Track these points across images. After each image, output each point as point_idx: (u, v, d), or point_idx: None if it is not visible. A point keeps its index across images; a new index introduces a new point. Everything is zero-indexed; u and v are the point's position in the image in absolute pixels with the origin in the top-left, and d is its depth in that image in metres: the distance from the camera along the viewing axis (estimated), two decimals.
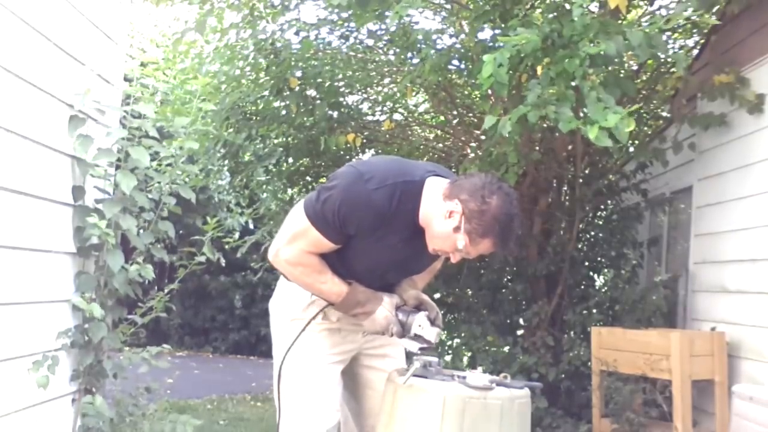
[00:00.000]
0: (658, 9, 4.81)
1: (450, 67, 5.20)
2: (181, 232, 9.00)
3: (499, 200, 2.07)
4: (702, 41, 5.27)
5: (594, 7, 4.14)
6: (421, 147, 6.72)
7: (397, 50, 5.58)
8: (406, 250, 2.18)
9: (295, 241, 2.15)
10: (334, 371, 2.29)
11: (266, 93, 5.85)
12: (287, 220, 2.21)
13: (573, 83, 3.81)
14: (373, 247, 2.13)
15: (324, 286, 2.17)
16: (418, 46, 5.11)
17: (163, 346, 3.85)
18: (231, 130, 6.15)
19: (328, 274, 2.16)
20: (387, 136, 6.36)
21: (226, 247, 6.93)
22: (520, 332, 5.91)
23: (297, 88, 5.56)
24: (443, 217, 2.07)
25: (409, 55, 5.36)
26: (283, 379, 2.28)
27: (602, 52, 3.54)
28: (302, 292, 2.26)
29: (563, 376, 5.25)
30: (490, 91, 4.54)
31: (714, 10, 4.58)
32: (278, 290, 2.38)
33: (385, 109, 6.79)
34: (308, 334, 2.26)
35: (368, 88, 6.63)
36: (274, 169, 6.46)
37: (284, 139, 6.39)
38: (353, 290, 2.17)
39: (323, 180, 6.83)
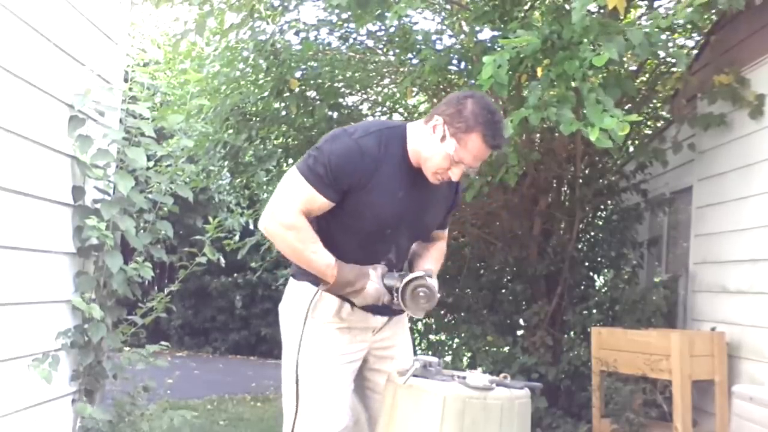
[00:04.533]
0: (659, 7, 4.80)
1: (450, 67, 5.20)
2: (181, 232, 9.00)
3: (474, 99, 2.14)
4: (702, 41, 5.27)
5: (593, 7, 4.13)
6: None
7: (397, 51, 5.58)
8: (408, 200, 2.20)
9: (289, 200, 2.13)
10: (346, 371, 2.26)
11: (266, 94, 5.85)
12: (280, 184, 2.20)
13: (573, 84, 3.81)
14: (374, 201, 2.14)
15: (314, 256, 2.14)
16: (418, 46, 5.12)
17: (161, 344, 3.84)
18: (231, 131, 6.16)
19: (318, 243, 2.14)
20: None
21: (227, 248, 6.94)
22: (520, 332, 5.91)
23: (297, 90, 5.56)
24: (429, 136, 2.14)
25: (409, 55, 5.36)
26: (294, 379, 2.24)
27: (607, 59, 3.54)
28: (312, 295, 2.22)
29: (563, 376, 5.25)
30: (489, 92, 4.54)
31: (714, 10, 4.58)
32: (287, 293, 2.34)
33: (384, 109, 6.80)
34: (320, 335, 2.23)
35: (368, 89, 6.63)
36: (274, 170, 6.46)
37: (284, 140, 6.39)
38: (341, 267, 2.14)
39: None
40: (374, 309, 2.28)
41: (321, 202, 2.13)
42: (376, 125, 2.23)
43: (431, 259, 2.39)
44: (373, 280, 2.16)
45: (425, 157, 2.16)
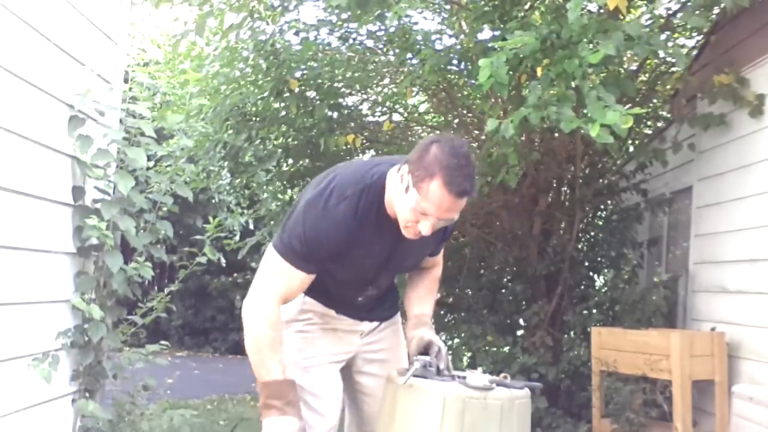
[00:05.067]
0: (657, 7, 4.80)
1: (450, 67, 5.20)
2: (181, 232, 9.00)
3: (440, 143, 1.93)
4: (702, 41, 5.27)
5: (593, 7, 4.14)
6: None
7: (397, 51, 5.58)
8: (388, 251, 2.12)
9: (269, 282, 2.04)
10: (331, 370, 2.26)
11: (266, 94, 5.85)
12: (261, 264, 2.09)
13: (573, 83, 3.82)
14: (352, 261, 2.07)
15: (271, 356, 2.01)
16: (418, 46, 5.12)
17: (161, 343, 3.84)
18: (231, 131, 6.16)
19: (277, 356, 2.01)
20: (387, 136, 6.36)
21: (227, 248, 6.94)
22: (520, 332, 5.91)
23: (297, 90, 5.56)
24: (398, 185, 1.98)
25: (409, 55, 5.36)
26: None
27: (603, 55, 3.54)
28: (299, 297, 2.21)
29: (563, 376, 5.25)
30: (489, 91, 4.54)
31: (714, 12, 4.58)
32: None
33: (384, 109, 6.80)
34: (304, 336, 2.24)
35: (368, 89, 6.63)
36: (274, 170, 6.46)
37: (284, 140, 6.39)
38: (286, 383, 2.01)
39: None
40: (361, 315, 2.28)
41: (301, 277, 2.05)
42: (353, 184, 2.03)
43: (426, 298, 2.34)
44: (275, 428, 1.99)
45: (396, 210, 2.00)
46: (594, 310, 5.70)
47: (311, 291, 2.16)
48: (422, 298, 2.35)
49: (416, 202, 1.92)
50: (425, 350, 2.15)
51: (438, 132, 6.88)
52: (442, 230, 2.15)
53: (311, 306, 2.24)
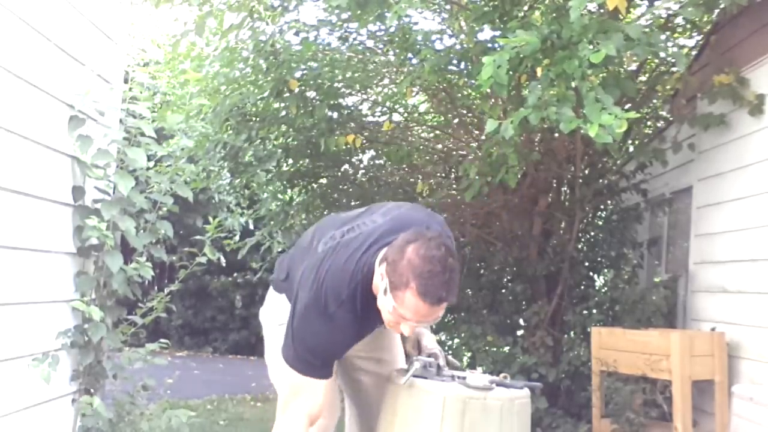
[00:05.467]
0: (658, 7, 4.80)
1: (450, 67, 5.20)
2: (181, 232, 9.00)
3: (416, 245, 1.84)
4: (702, 41, 5.27)
5: (593, 7, 4.14)
6: (421, 147, 6.72)
7: (397, 51, 5.58)
8: (379, 333, 2.19)
9: (294, 403, 2.03)
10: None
11: (266, 94, 5.85)
12: (282, 384, 2.12)
13: (573, 84, 3.82)
14: (361, 336, 2.12)
15: None
16: (418, 46, 5.12)
17: (161, 341, 3.84)
18: (231, 131, 6.16)
19: None
20: (387, 136, 6.37)
21: (227, 248, 6.94)
22: (520, 332, 5.91)
23: (297, 90, 5.56)
24: (379, 282, 1.92)
25: (409, 55, 5.36)
26: (278, 382, 2.26)
27: (605, 56, 3.54)
28: (286, 306, 2.22)
29: (563, 376, 5.25)
30: (489, 91, 4.54)
31: (715, 12, 4.58)
32: (268, 301, 2.36)
33: (384, 109, 6.80)
34: None
35: (368, 89, 6.63)
36: (274, 170, 6.46)
37: (284, 140, 6.39)
38: None
39: (323, 181, 6.87)
40: None
41: (324, 384, 2.04)
42: (345, 284, 1.98)
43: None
44: None
45: (378, 305, 1.96)
46: (594, 310, 5.70)
47: None
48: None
49: (393, 308, 1.88)
50: (420, 347, 2.18)
51: (439, 133, 6.90)
52: None
53: None
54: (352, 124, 6.05)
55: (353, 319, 1.98)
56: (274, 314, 2.30)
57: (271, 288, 2.36)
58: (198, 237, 4.26)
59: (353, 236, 2.09)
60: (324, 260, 2.05)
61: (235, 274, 10.99)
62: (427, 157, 6.77)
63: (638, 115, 4.53)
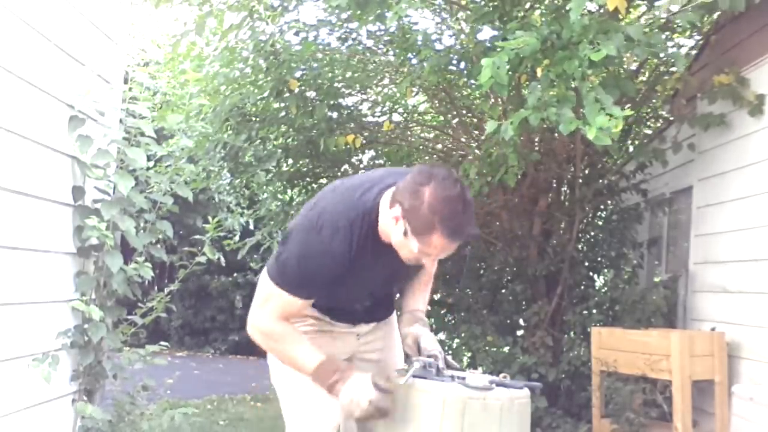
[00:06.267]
0: (657, 7, 4.81)
1: (450, 67, 5.20)
2: (181, 232, 9.01)
3: (432, 188, 1.88)
4: (702, 41, 5.27)
5: (593, 7, 4.14)
6: (421, 147, 6.72)
7: (397, 51, 5.58)
8: (382, 272, 2.13)
9: (265, 306, 2.08)
10: None
11: (266, 95, 5.85)
12: (258, 290, 2.14)
13: (573, 84, 3.82)
14: (347, 287, 2.08)
15: (299, 356, 2.06)
16: (418, 46, 5.12)
17: (161, 344, 3.85)
18: (231, 131, 6.16)
19: (304, 344, 2.08)
20: (387, 136, 6.37)
21: (227, 248, 6.94)
22: (520, 332, 5.91)
23: (297, 90, 5.56)
24: (393, 226, 1.96)
25: (409, 55, 5.36)
26: (279, 383, 2.25)
27: (605, 55, 3.54)
28: None
29: (563, 376, 5.25)
30: (489, 91, 4.55)
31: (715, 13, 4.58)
32: None
33: (384, 109, 6.80)
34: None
35: (368, 89, 6.63)
36: (274, 170, 6.46)
37: (284, 140, 6.39)
38: (328, 360, 2.06)
39: (323, 181, 6.87)
40: (356, 320, 2.28)
41: (298, 305, 2.06)
42: (345, 214, 2.01)
43: (420, 293, 2.35)
44: (364, 386, 2.00)
45: (395, 244, 2.00)
46: (594, 310, 5.70)
47: None
48: (416, 292, 2.35)
49: (419, 249, 1.93)
50: (420, 348, 2.16)
51: (438, 133, 6.90)
52: None
53: (308, 312, 2.21)
54: (352, 124, 6.06)
55: (347, 252, 1.98)
56: None
57: None
58: (198, 237, 4.26)
59: (353, 181, 2.16)
60: (323, 196, 2.10)
61: (235, 274, 10.99)
62: (427, 157, 6.77)
63: (633, 113, 4.53)
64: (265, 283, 2.10)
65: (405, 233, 1.93)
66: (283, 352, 2.10)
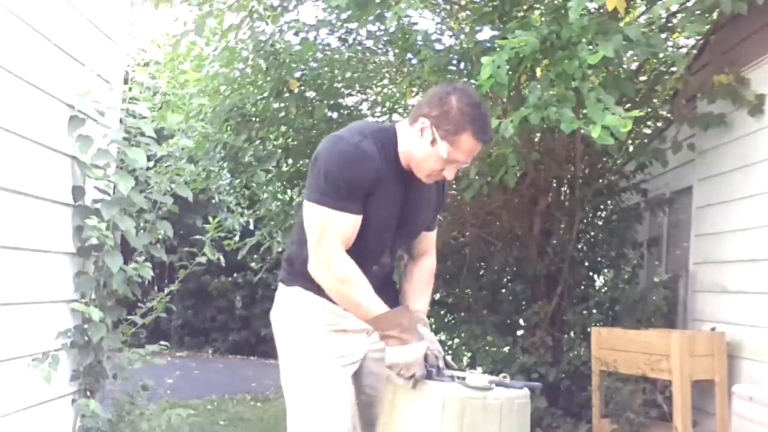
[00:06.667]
0: (657, 7, 4.81)
1: (450, 67, 5.20)
2: (181, 232, 9.00)
3: (457, 95, 2.10)
4: (702, 41, 5.27)
5: (593, 7, 4.14)
6: None
7: (397, 51, 5.58)
8: (404, 201, 2.19)
9: (324, 239, 2.06)
10: (344, 375, 2.21)
11: (266, 95, 5.85)
12: (307, 227, 2.11)
13: (573, 84, 3.82)
14: (378, 207, 2.12)
15: (365, 299, 2.07)
16: (417, 47, 5.12)
17: (161, 344, 3.84)
18: (230, 132, 6.16)
19: (370, 289, 2.07)
20: None
21: (227, 248, 6.94)
22: (520, 332, 5.91)
23: (296, 90, 5.56)
24: (418, 139, 2.12)
25: (409, 55, 5.36)
26: (293, 385, 2.21)
27: (602, 57, 3.54)
28: (304, 299, 2.20)
29: (563, 376, 5.25)
30: (489, 91, 4.54)
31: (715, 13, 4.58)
32: (279, 299, 2.30)
33: (384, 109, 6.80)
34: (315, 339, 2.19)
35: (368, 89, 6.63)
36: (274, 171, 6.46)
37: (284, 140, 6.39)
38: (393, 311, 2.08)
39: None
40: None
41: (353, 220, 2.07)
42: (368, 128, 2.18)
43: (422, 293, 2.37)
44: (421, 346, 2.05)
45: (417, 159, 2.13)
46: (594, 310, 5.71)
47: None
48: (418, 292, 2.36)
49: (448, 153, 2.08)
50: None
51: None
52: (442, 194, 2.37)
53: (318, 306, 2.20)
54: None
55: (376, 153, 2.10)
56: (289, 313, 2.24)
57: (281, 286, 2.29)
58: (198, 237, 4.26)
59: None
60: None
61: (235, 274, 10.99)
62: None
63: (641, 113, 4.53)
64: (312, 216, 2.09)
65: (433, 141, 2.09)
66: (348, 293, 2.08)
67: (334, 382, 2.19)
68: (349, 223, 2.08)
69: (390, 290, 2.38)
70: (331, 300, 2.19)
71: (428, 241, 2.41)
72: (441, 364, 2.10)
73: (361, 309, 2.09)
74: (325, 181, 2.06)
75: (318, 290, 2.16)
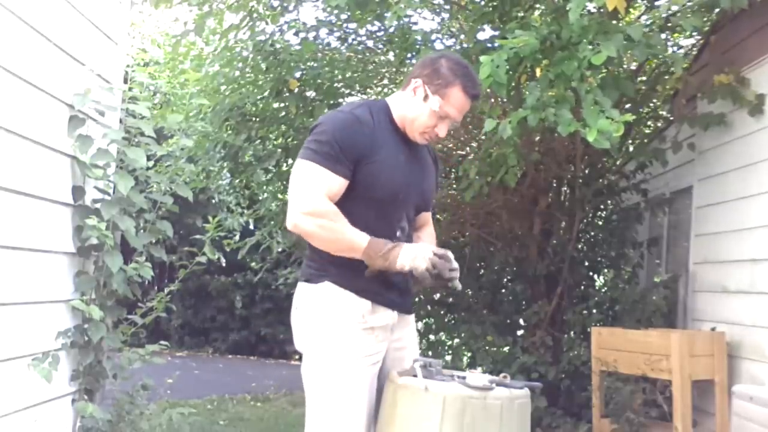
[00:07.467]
0: (658, 6, 4.81)
1: None
2: (181, 232, 9.01)
3: (446, 57, 2.28)
4: (702, 41, 5.27)
5: (593, 8, 4.14)
6: None
7: (397, 51, 5.58)
8: (409, 164, 2.28)
9: (308, 189, 2.13)
10: (371, 374, 2.20)
11: (265, 94, 5.85)
12: (293, 180, 2.19)
13: (572, 85, 3.81)
14: (382, 168, 2.19)
15: (351, 233, 2.12)
16: (417, 46, 5.12)
17: (161, 343, 3.84)
18: (230, 131, 6.16)
19: (348, 224, 2.13)
20: None
21: (227, 248, 6.95)
22: (520, 332, 5.91)
23: (296, 90, 5.56)
24: (411, 99, 2.26)
25: (409, 55, 5.36)
26: (320, 382, 2.18)
27: (606, 57, 3.54)
28: (336, 296, 2.18)
29: (563, 376, 5.25)
30: (489, 92, 4.54)
31: (714, 12, 4.58)
32: (305, 298, 2.25)
33: None
34: (349, 337, 2.17)
35: (368, 89, 6.63)
36: (274, 170, 6.46)
37: (284, 140, 6.39)
38: (374, 240, 2.14)
39: None
40: (390, 303, 2.24)
41: (339, 182, 2.14)
42: (360, 102, 2.37)
43: (429, 241, 2.45)
44: (413, 250, 2.14)
45: (411, 118, 2.26)
46: (594, 310, 5.71)
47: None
48: (424, 240, 2.45)
49: (440, 106, 2.22)
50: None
51: None
52: (435, 166, 2.48)
53: (351, 303, 2.18)
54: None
55: (370, 119, 2.22)
56: (319, 311, 2.20)
57: (305, 285, 2.25)
58: (198, 237, 4.26)
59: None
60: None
61: (235, 274, 10.99)
62: None
63: (633, 118, 4.54)
64: (300, 170, 2.17)
65: (425, 97, 2.23)
66: (337, 232, 2.12)
67: (363, 382, 2.17)
68: (335, 184, 2.15)
69: (409, 286, 2.38)
70: (361, 297, 2.18)
71: (425, 218, 2.52)
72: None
73: (349, 243, 2.13)
74: (317, 143, 2.17)
75: (350, 279, 2.18)
